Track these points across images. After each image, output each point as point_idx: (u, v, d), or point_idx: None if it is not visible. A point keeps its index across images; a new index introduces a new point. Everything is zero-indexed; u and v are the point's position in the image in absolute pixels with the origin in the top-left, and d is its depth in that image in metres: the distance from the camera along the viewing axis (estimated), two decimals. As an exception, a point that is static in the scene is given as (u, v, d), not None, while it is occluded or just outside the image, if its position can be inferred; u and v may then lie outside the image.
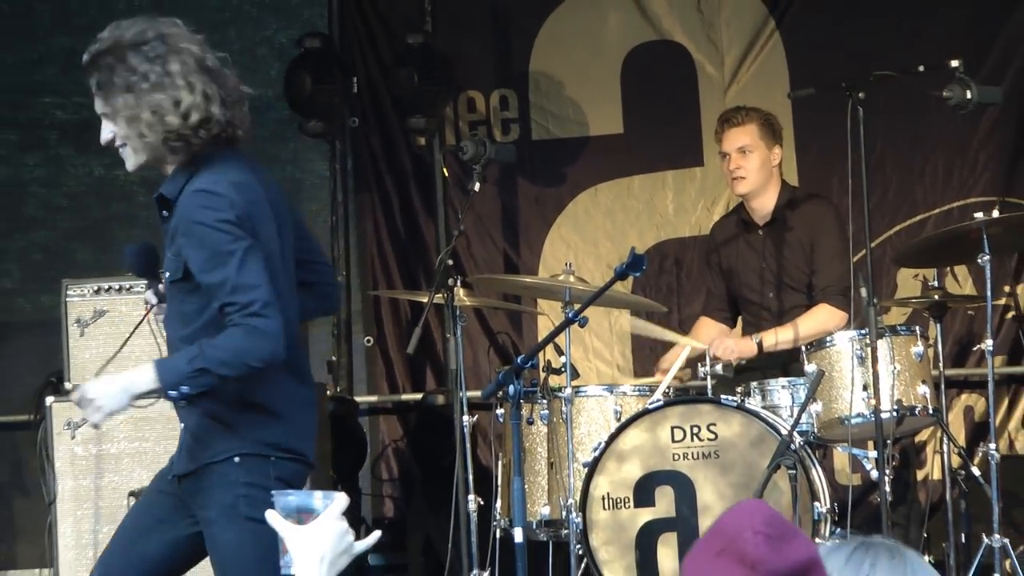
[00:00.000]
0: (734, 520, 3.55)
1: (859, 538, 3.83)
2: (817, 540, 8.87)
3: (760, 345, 9.48)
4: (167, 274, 6.74)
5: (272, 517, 4.47)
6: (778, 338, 9.50)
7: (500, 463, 9.37)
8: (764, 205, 9.78)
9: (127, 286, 9.30)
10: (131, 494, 9.02)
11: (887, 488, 9.02)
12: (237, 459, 6.76)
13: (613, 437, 8.93)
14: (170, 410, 8.63)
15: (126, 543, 6.94)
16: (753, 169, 9.67)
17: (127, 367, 9.00)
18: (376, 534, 4.95)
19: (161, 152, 6.60)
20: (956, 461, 9.42)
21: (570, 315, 6.71)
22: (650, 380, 9.61)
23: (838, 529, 8.97)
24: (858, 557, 3.77)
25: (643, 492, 8.87)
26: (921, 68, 9.29)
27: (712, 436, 9.01)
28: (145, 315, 7.09)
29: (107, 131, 6.66)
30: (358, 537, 9.31)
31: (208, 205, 6.48)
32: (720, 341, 9.46)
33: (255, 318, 6.53)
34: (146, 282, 6.96)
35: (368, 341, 11.25)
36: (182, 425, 6.91)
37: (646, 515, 8.93)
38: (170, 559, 7.00)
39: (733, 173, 9.72)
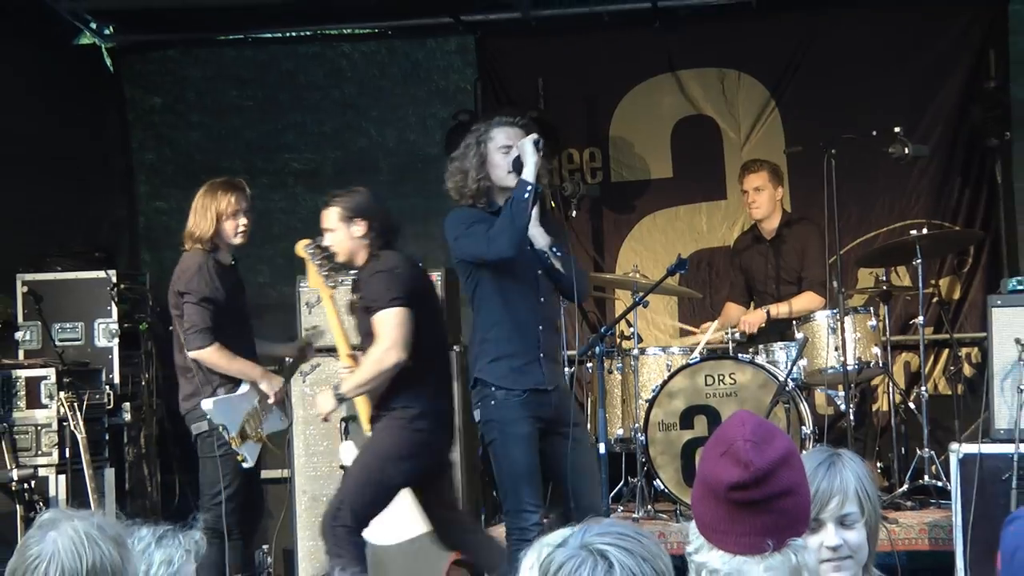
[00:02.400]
0: (731, 429, 3.49)
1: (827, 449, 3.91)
2: (803, 452, 8.82)
3: (768, 313, 9.51)
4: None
5: None
6: (779, 310, 9.55)
7: (589, 399, 9.37)
8: (770, 225, 9.81)
9: (340, 281, 9.30)
10: (342, 420, 9.02)
11: (851, 417, 8.99)
12: None
13: (665, 382, 8.96)
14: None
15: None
16: (764, 202, 9.74)
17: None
18: None
19: None
20: (898, 399, 9.38)
21: (637, 300, 6.69)
22: (692, 343, 9.61)
23: (819, 444, 8.91)
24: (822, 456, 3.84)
25: (686, 419, 8.90)
26: (874, 132, 9.27)
27: (732, 381, 9.00)
28: None
29: None
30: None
31: None
32: (742, 320, 9.50)
33: None
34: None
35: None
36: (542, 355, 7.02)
37: (687, 435, 8.95)
38: None
39: (751, 205, 9.79)
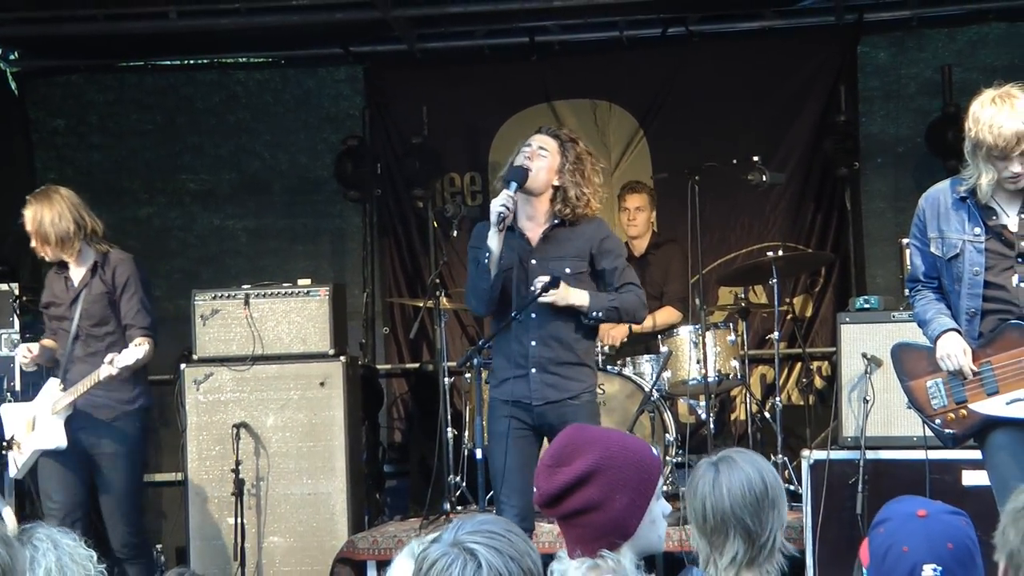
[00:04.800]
0: (546, 451, 3.66)
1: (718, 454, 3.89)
2: (667, 458, 8.86)
3: (630, 328, 9.54)
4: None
5: None
6: (643, 325, 9.51)
7: (467, 408, 9.33)
8: (641, 244, 9.93)
9: (232, 294, 9.22)
10: (234, 426, 8.96)
11: (711, 425, 9.03)
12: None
13: (539, 392, 8.89)
14: (262, 373, 8.60)
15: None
16: (642, 221, 9.87)
17: (232, 349, 9.04)
18: None
19: None
20: (755, 408, 9.43)
21: (512, 315, 6.63)
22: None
23: (682, 450, 8.95)
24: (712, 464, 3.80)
25: (558, 427, 8.81)
26: (735, 161, 9.33)
27: (602, 391, 8.96)
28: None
29: None
30: (389, 458, 8.92)
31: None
32: (607, 334, 9.46)
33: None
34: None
35: (385, 330, 11.19)
36: (533, 370, 6.72)
37: (560, 441, 8.87)
38: None
39: (630, 222, 9.88)
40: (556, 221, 6.83)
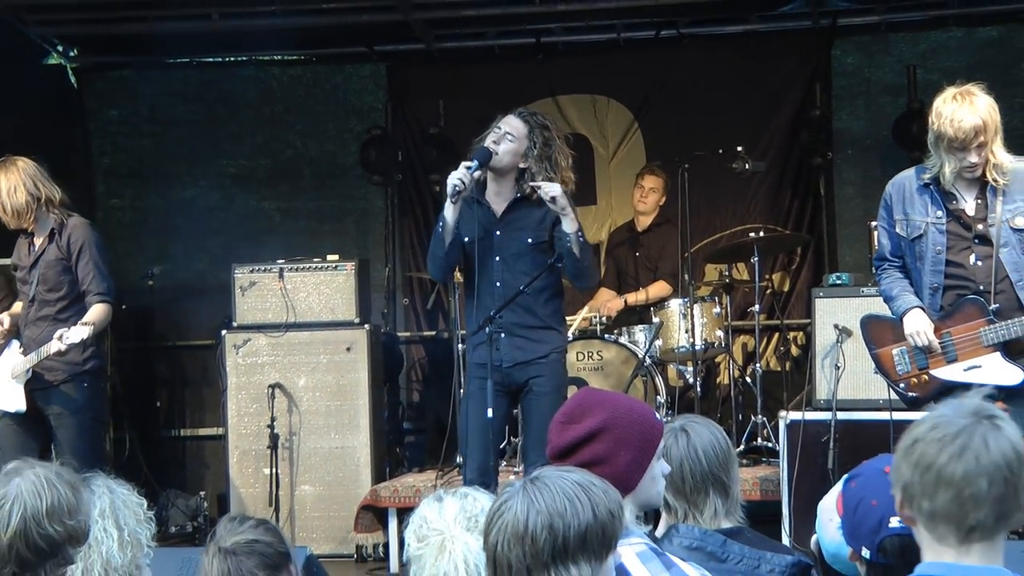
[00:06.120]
0: (559, 410, 3.59)
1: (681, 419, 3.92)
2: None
3: (625, 301, 9.56)
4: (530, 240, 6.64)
5: None
6: (636, 298, 9.60)
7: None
8: (645, 220, 9.97)
9: (268, 268, 9.28)
10: (269, 386, 9.02)
11: (698, 388, 9.08)
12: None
13: (544, 357, 8.92)
14: (294, 339, 8.62)
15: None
16: (651, 202, 9.90)
17: (267, 318, 9.09)
18: None
19: None
20: (737, 374, 9.48)
21: (521, 288, 6.65)
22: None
23: (671, 412, 9.00)
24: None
25: (560, 388, 8.84)
26: (720, 151, 9.34)
27: (599, 357, 9.07)
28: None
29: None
30: (408, 417, 8.80)
31: None
32: (604, 305, 9.52)
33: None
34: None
35: (405, 301, 11.22)
36: (503, 335, 6.57)
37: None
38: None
39: (641, 199, 9.89)
40: (518, 195, 6.72)
